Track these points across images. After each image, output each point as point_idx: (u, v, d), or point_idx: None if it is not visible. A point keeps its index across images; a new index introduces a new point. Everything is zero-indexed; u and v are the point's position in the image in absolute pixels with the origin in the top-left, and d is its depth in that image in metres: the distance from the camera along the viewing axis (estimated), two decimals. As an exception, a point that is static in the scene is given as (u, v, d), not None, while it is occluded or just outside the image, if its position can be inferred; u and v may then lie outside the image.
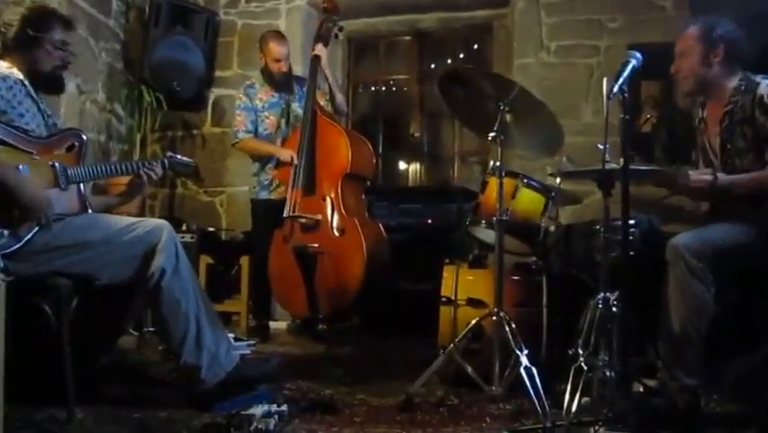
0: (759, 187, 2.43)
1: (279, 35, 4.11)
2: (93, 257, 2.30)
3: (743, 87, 2.49)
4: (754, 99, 2.43)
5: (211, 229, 4.72)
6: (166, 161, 2.68)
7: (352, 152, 3.70)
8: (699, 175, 2.49)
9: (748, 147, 2.47)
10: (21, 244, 2.18)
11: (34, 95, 2.45)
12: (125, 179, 2.64)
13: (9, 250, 2.15)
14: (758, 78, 2.49)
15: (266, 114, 4.05)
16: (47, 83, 2.51)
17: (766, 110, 2.40)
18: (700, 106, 2.72)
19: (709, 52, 2.50)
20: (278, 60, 3.99)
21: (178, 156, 2.76)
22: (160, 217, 2.87)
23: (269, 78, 4.05)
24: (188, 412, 2.30)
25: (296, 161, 3.73)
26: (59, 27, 2.47)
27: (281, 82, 4.05)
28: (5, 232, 2.15)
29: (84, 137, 2.47)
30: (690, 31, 2.56)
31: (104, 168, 2.48)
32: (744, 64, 2.55)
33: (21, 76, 2.41)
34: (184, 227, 4.25)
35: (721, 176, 2.45)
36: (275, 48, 3.99)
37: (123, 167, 2.55)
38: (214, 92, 5.18)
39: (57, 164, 2.35)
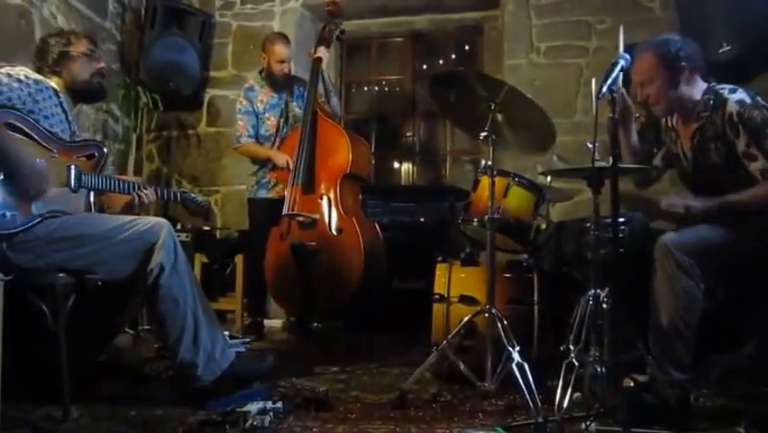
0: (732, 211, 2.42)
1: (284, 37, 4.15)
2: (92, 252, 2.33)
3: (711, 102, 2.49)
4: (724, 117, 2.43)
5: (206, 228, 4.73)
6: (179, 194, 2.84)
7: (352, 153, 3.74)
8: (672, 202, 2.47)
9: (724, 164, 2.47)
10: (24, 227, 2.23)
11: (66, 106, 2.55)
12: (125, 198, 2.71)
13: (11, 231, 2.20)
14: (725, 92, 2.47)
15: (267, 115, 4.09)
16: (87, 92, 2.67)
17: (736, 129, 2.40)
18: (672, 116, 2.71)
19: (674, 74, 2.48)
20: (282, 62, 4.03)
21: (193, 194, 2.93)
22: (155, 216, 2.89)
23: (271, 78, 4.09)
24: (184, 410, 2.32)
25: (291, 166, 3.76)
26: (82, 40, 2.65)
27: (282, 83, 4.09)
28: (8, 213, 2.19)
29: (105, 150, 2.59)
30: (646, 58, 2.51)
31: (113, 181, 2.60)
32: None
33: (56, 87, 2.53)
34: (179, 226, 4.26)
35: (694, 204, 2.44)
36: (280, 49, 4.03)
37: (129, 186, 2.64)
38: (210, 92, 5.21)
39: (73, 167, 2.43)
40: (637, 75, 2.54)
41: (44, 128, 2.38)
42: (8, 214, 2.19)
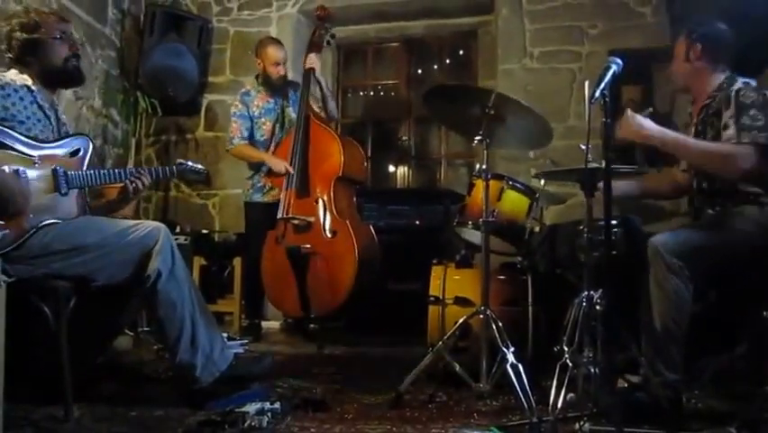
0: (677, 149, 2.52)
1: (277, 41, 4.20)
2: (90, 260, 2.32)
3: (724, 85, 2.57)
4: (726, 94, 2.52)
5: (204, 231, 4.77)
6: (175, 169, 2.66)
7: (344, 156, 3.78)
8: (632, 114, 2.53)
9: (713, 139, 2.54)
10: (16, 245, 2.20)
11: (42, 102, 2.46)
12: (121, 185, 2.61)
13: (5, 250, 2.16)
14: (739, 78, 2.57)
15: (262, 120, 4.12)
16: (63, 77, 2.52)
17: (728, 103, 2.48)
18: (692, 102, 2.80)
19: (690, 50, 2.62)
20: (277, 64, 4.06)
21: (189, 163, 2.70)
22: (154, 220, 2.87)
23: (267, 83, 4.12)
24: (183, 410, 2.33)
25: (291, 172, 3.79)
26: (53, 21, 2.49)
27: (278, 87, 4.12)
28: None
29: (90, 144, 2.49)
30: (679, 38, 2.70)
31: (103, 174, 2.47)
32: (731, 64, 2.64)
33: (28, 82, 2.42)
34: (178, 229, 4.30)
35: (646, 121, 2.50)
36: (274, 52, 4.06)
37: (120, 174, 2.53)
38: (207, 97, 5.25)
39: (58, 169, 2.35)
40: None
41: (21, 135, 2.29)
42: (0, 233, 2.14)
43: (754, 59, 3.45)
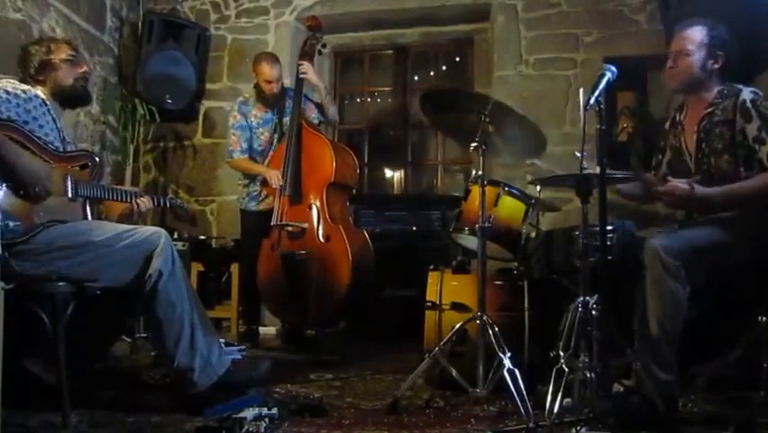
0: (733, 201, 2.49)
1: (273, 57, 4.13)
2: (93, 259, 2.35)
3: (725, 92, 2.57)
4: (736, 103, 2.51)
5: (202, 237, 4.78)
6: (168, 201, 2.90)
7: (336, 162, 3.79)
8: (677, 182, 2.55)
9: (724, 148, 2.54)
10: (25, 238, 2.26)
11: (54, 114, 2.59)
12: (123, 205, 2.77)
13: (15, 240, 2.23)
14: (740, 86, 2.57)
15: (261, 130, 4.12)
16: (72, 97, 2.69)
17: (747, 114, 2.48)
18: (678, 110, 2.79)
19: (710, 58, 2.58)
20: (269, 82, 4.03)
21: (179, 200, 3.03)
22: (152, 226, 2.95)
23: (261, 97, 4.11)
24: (181, 416, 2.34)
25: (280, 183, 3.79)
26: (63, 46, 2.66)
27: (272, 101, 4.11)
28: (11, 223, 2.23)
29: (98, 160, 2.63)
30: (694, 32, 2.60)
31: (109, 191, 2.66)
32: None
33: (43, 96, 2.56)
34: (176, 235, 4.30)
35: (698, 188, 2.51)
36: (266, 70, 4.03)
37: (125, 194, 2.72)
38: (205, 104, 5.28)
39: (69, 176, 2.49)
40: (678, 44, 2.62)
41: (40, 139, 2.42)
42: (11, 224, 2.22)
43: (744, 69, 3.48)
